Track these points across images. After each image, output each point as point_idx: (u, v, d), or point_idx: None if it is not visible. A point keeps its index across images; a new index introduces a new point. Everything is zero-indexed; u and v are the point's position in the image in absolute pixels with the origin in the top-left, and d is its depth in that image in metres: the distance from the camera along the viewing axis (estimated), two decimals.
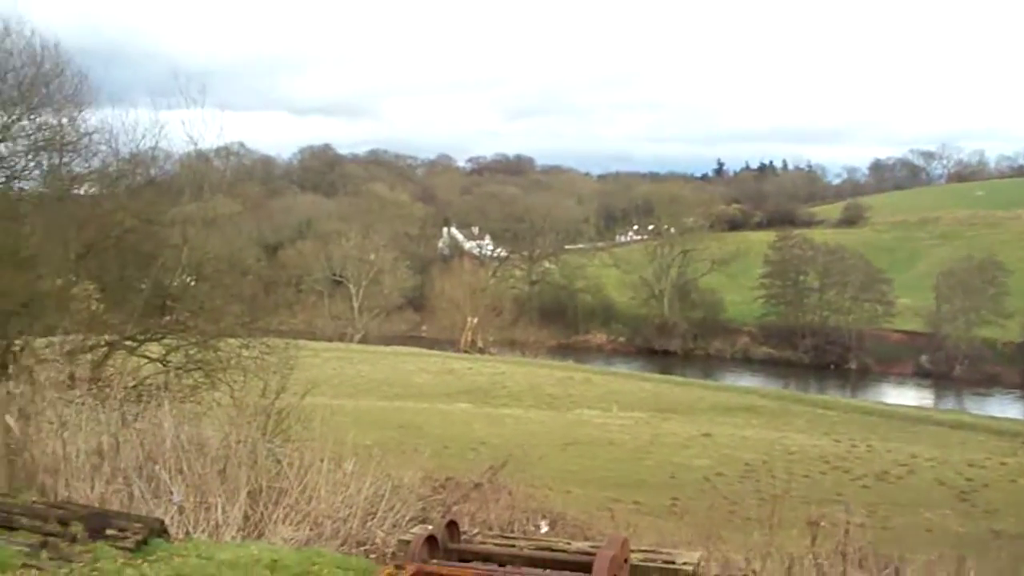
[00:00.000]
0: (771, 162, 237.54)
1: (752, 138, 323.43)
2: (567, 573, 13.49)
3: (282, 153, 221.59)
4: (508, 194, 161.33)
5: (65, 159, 36.36)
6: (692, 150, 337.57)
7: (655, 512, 34.13)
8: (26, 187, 36.36)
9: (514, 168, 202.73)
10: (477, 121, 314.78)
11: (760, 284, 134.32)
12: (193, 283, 37.63)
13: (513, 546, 14.82)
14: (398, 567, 13.74)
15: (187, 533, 17.09)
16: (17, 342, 32.44)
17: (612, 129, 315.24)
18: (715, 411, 68.46)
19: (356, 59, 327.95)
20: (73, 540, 16.06)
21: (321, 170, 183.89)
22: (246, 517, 17.81)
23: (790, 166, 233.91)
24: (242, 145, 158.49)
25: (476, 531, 16.13)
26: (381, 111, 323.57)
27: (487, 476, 24.92)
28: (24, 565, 15.29)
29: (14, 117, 33.90)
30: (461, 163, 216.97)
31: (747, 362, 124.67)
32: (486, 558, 14.47)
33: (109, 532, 16.11)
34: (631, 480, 42.47)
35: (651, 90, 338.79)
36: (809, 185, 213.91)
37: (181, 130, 56.99)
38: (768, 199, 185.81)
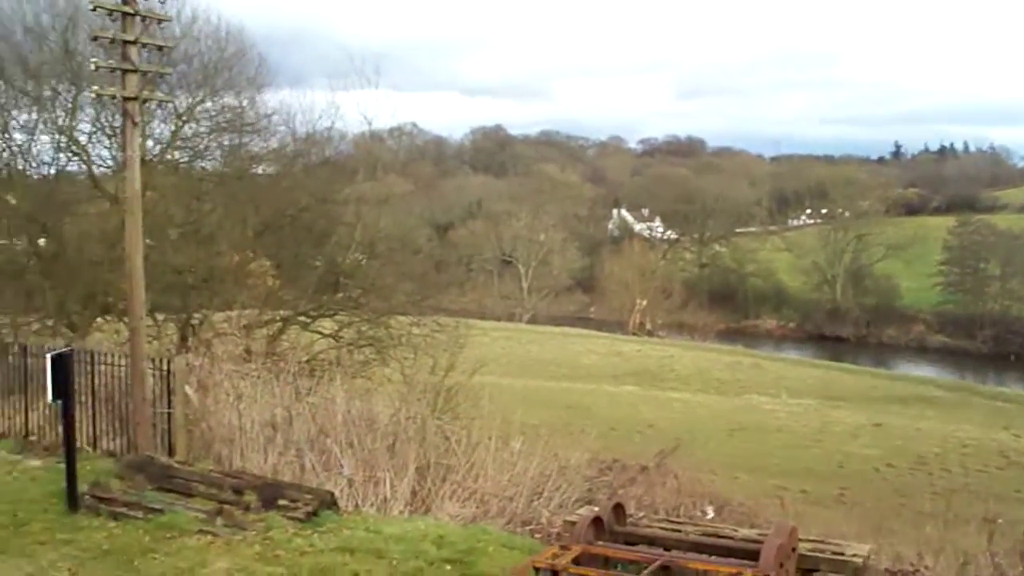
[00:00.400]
0: (951, 144, 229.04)
1: (932, 119, 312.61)
2: (733, 560, 13.34)
3: (453, 134, 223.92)
4: (679, 176, 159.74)
5: (245, 139, 37.32)
6: (869, 132, 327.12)
7: (822, 501, 33.49)
8: (208, 166, 37.41)
9: (685, 149, 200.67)
10: (649, 102, 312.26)
11: (938, 271, 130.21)
12: (365, 261, 38.25)
13: (679, 531, 14.71)
14: (563, 548, 13.77)
15: (356, 506, 17.43)
16: (196, 316, 33.49)
17: (785, 110, 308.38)
18: (887, 400, 66.80)
19: (528, 40, 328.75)
20: (247, 509, 16.53)
21: (492, 151, 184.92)
22: (413, 492, 18.07)
23: (971, 148, 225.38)
24: (415, 125, 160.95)
25: (642, 514, 16.06)
26: (552, 92, 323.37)
27: (655, 460, 24.82)
28: (200, 531, 15.82)
29: (198, 99, 34.91)
30: (632, 144, 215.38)
31: (922, 351, 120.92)
32: (652, 542, 14.39)
33: (281, 502, 16.54)
34: (798, 468, 41.73)
35: (827, 70, 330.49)
36: (992, 168, 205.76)
37: (356, 111, 58.14)
38: (948, 183, 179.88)
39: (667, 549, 13.86)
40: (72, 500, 17.19)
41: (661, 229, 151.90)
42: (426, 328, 34.81)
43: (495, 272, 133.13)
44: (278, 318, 34.89)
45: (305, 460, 19.01)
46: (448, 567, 14.26)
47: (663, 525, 15.09)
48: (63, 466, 17.82)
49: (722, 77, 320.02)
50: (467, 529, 15.91)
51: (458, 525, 16.22)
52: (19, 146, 33.47)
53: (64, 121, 33.19)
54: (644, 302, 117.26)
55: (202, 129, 35.93)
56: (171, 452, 20.02)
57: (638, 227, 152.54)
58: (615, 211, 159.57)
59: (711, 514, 21.61)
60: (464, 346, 33.27)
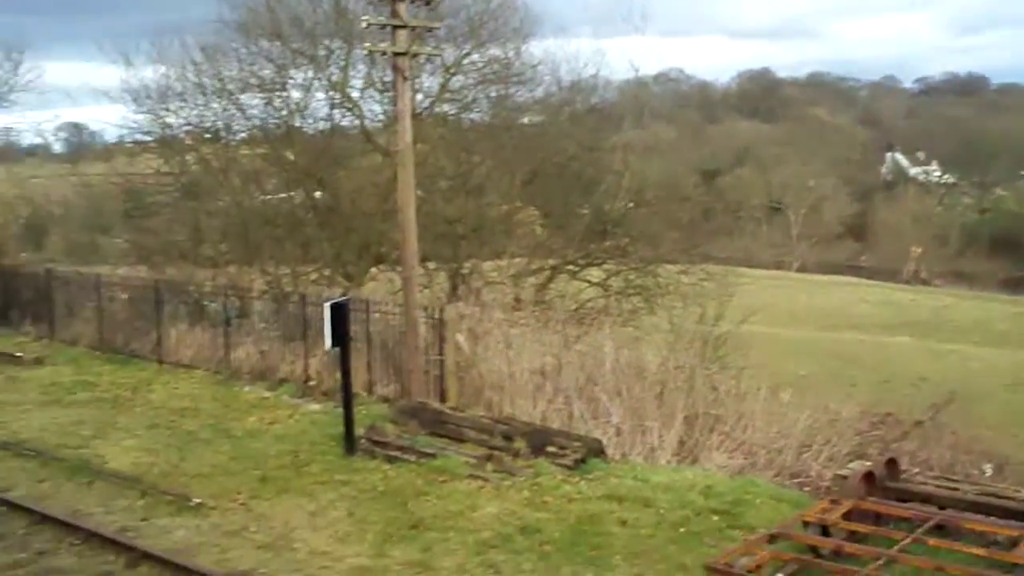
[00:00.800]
0: None
1: None
2: (1014, 523, 12.73)
3: (719, 78, 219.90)
4: (958, 116, 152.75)
5: (511, 90, 37.60)
6: None
7: None
8: (475, 118, 37.89)
9: (965, 88, 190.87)
10: (925, 38, 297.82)
11: None
12: (633, 209, 38.07)
13: (956, 489, 14.13)
14: (833, 502, 13.46)
15: (623, 454, 17.46)
16: (466, 265, 34.10)
17: None
18: None
19: None
20: (516, 455, 16.81)
21: (759, 95, 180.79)
22: (681, 442, 17.97)
23: None
24: (680, 71, 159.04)
25: (916, 471, 15.51)
26: (823, 32, 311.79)
27: (929, 414, 23.91)
28: (471, 475, 16.18)
29: (465, 52, 35.35)
30: (907, 84, 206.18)
31: None
32: (926, 499, 13.89)
33: (549, 449, 16.75)
34: None
35: None
36: None
37: (621, 58, 57.58)
38: None
39: (942, 508, 13.37)
40: (349, 443, 17.86)
41: (938, 173, 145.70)
42: (694, 276, 34.48)
43: (763, 219, 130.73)
44: (546, 267, 35.17)
45: (573, 408, 19.16)
46: (715, 518, 14.15)
47: (938, 483, 14.55)
48: (340, 410, 18.54)
49: (1008, 6, 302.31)
50: (735, 480, 15.75)
51: (725, 476, 16.07)
52: (296, 104, 34.73)
53: (337, 78, 34.21)
54: (919, 250, 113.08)
55: (469, 81, 36.41)
56: (443, 398, 20.51)
57: (913, 171, 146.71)
58: (888, 155, 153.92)
59: (989, 473, 20.70)
60: (733, 295, 32.77)
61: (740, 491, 15.00)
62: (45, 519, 15.01)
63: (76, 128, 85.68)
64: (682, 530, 13.78)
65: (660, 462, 17.13)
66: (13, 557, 13.79)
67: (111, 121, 54.14)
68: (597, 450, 16.75)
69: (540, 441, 16.91)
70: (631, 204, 38.22)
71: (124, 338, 28.37)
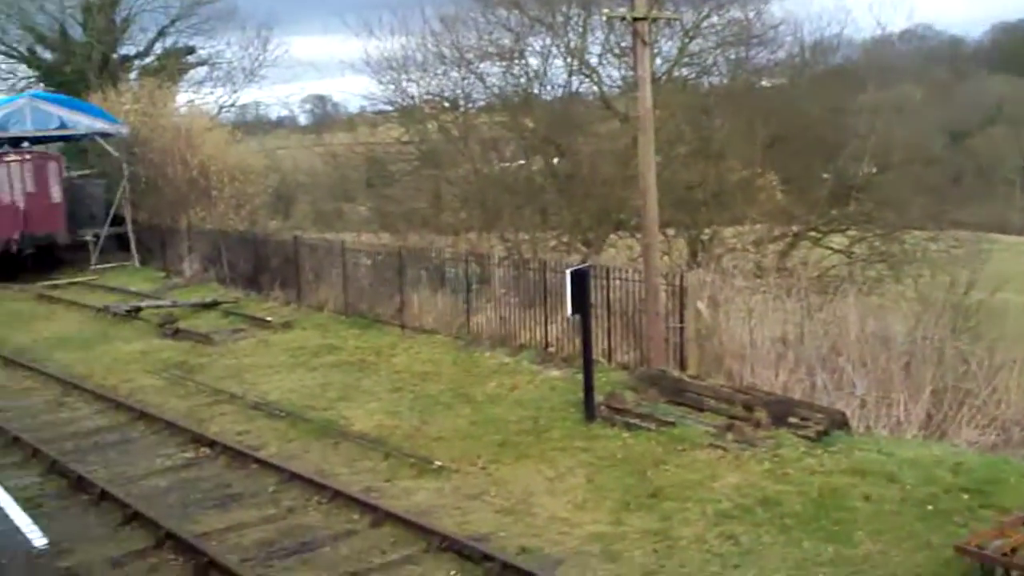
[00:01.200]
0: None
1: None
2: None
3: (971, 33, 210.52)
4: None
5: (751, 52, 36.94)
6: None
7: None
8: (714, 81, 37.41)
9: None
10: None
11: None
12: (878, 173, 36.90)
13: None
14: None
15: (867, 427, 16.97)
16: (706, 231, 33.74)
17: None
18: None
19: None
20: (757, 425, 16.53)
21: (1015, 48, 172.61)
22: (928, 416, 17.35)
23: None
24: (929, 27, 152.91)
25: None
26: None
27: None
28: (711, 445, 16.01)
29: (704, 14, 34.92)
30: None
31: None
32: None
33: (791, 420, 16.41)
34: None
35: None
36: None
37: (867, 16, 55.84)
38: None
39: None
40: (589, 410, 17.89)
41: None
42: (943, 243, 33.21)
43: (1018, 182, 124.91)
44: (788, 233, 34.48)
45: (816, 378, 18.74)
46: (965, 496, 13.58)
47: None
48: (580, 377, 18.58)
49: None
50: (986, 458, 15.09)
51: (976, 453, 15.42)
52: (534, 71, 35.01)
53: (576, 44, 34.29)
54: None
55: (708, 44, 35.98)
56: (682, 366, 20.33)
57: None
58: None
59: None
60: (984, 262, 31.46)
61: (992, 469, 14.36)
62: (294, 477, 15.58)
63: (320, 100, 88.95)
64: (929, 508, 13.28)
65: (906, 436, 16.60)
66: (264, 513, 14.40)
67: (354, 92, 56.03)
68: (840, 422, 16.34)
69: (781, 411, 16.60)
70: (875, 169, 37.06)
71: (368, 304, 29.07)
